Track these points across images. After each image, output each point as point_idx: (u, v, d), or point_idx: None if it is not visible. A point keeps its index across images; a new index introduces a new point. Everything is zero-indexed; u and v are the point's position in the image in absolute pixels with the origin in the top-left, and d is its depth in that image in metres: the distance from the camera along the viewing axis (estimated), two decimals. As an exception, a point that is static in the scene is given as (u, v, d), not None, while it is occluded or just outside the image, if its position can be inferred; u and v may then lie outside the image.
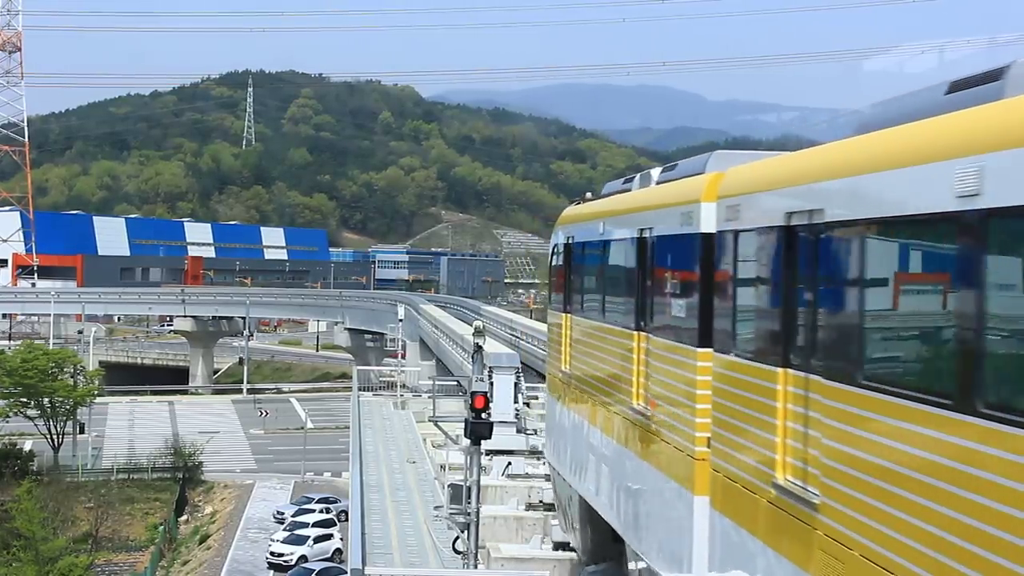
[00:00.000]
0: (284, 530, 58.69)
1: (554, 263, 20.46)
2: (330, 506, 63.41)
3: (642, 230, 13.97)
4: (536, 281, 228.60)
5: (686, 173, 13.26)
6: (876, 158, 8.27)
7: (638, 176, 16.30)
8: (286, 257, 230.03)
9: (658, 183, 14.79)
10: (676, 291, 12.63)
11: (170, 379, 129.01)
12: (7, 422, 75.85)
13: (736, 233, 10.91)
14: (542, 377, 71.40)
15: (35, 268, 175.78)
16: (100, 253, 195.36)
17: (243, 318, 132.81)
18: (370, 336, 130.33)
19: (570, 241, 18.80)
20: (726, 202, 11.28)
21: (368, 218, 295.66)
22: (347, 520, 46.70)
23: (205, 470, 76.15)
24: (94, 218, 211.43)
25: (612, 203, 16.71)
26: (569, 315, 18.62)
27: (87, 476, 73.36)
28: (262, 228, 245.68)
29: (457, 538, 27.54)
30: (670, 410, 12.54)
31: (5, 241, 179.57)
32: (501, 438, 39.42)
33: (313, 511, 62.01)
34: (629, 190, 16.31)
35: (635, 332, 14.04)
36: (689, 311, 12.08)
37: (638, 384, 13.92)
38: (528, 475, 43.20)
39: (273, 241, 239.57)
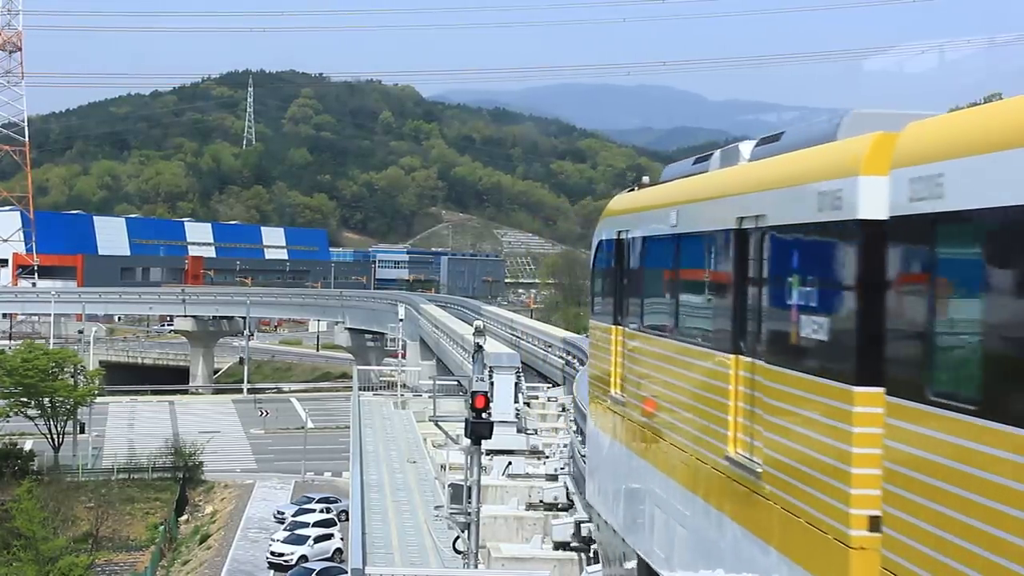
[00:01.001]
0: (284, 530, 58.68)
1: (599, 264, 17.21)
2: (330, 506, 63.41)
3: (744, 219, 10.52)
4: (536, 281, 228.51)
5: (808, 140, 10.00)
6: None
7: (717, 153, 12.96)
8: (286, 257, 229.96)
9: (753, 159, 11.47)
10: (808, 303, 9.18)
11: (170, 379, 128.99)
12: (7, 422, 75.84)
13: (933, 220, 7.39)
14: (542, 377, 71.59)
15: (35, 268, 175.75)
16: (100, 253, 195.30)
17: (243, 318, 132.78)
18: (370, 336, 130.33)
19: (624, 237, 15.36)
20: (912, 173, 7.70)
21: (368, 218, 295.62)
22: (347, 520, 46.68)
23: (205, 470, 76.15)
24: (94, 218, 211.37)
25: (689, 187, 13.10)
26: (621, 328, 15.26)
27: (87, 476, 73.36)
28: (262, 228, 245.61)
29: (457, 538, 27.55)
30: (799, 469, 9.11)
31: (5, 241, 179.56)
32: (501, 438, 39.45)
33: (313, 511, 62.01)
34: (706, 170, 12.98)
35: (732, 356, 10.66)
36: (836, 333, 8.66)
37: (736, 426, 10.61)
38: (528, 475, 43.21)
39: (273, 241, 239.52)
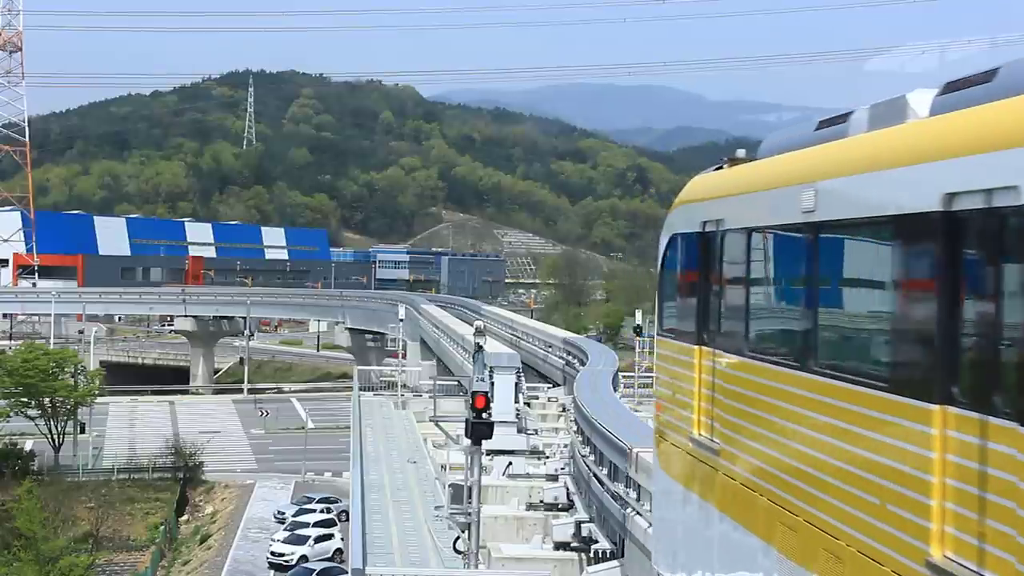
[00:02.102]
0: (285, 530, 58.68)
1: (671, 265, 13.48)
2: (331, 506, 63.40)
3: (957, 196, 7.03)
4: (536, 281, 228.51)
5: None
6: None
7: (862, 110, 9.37)
8: (287, 257, 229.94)
9: (941, 112, 8.00)
10: None
11: (171, 379, 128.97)
12: (8, 422, 75.81)
13: None
14: (543, 377, 71.61)
15: (36, 268, 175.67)
16: (101, 253, 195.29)
17: (244, 318, 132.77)
18: (371, 336, 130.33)
19: (713, 229, 11.70)
20: None
21: (369, 218, 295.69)
22: (348, 520, 46.67)
23: (206, 470, 76.14)
24: (95, 218, 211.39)
25: (826, 156, 9.36)
26: (710, 351, 11.56)
27: (88, 476, 73.35)
28: (263, 228, 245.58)
29: (458, 538, 27.56)
30: None
31: (6, 241, 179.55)
32: (502, 438, 39.48)
33: (314, 511, 62.00)
34: (844, 134, 9.35)
35: (938, 409, 7.11)
36: None
37: (945, 517, 7.05)
38: (528, 475, 43.25)
39: (274, 241, 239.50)
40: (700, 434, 11.72)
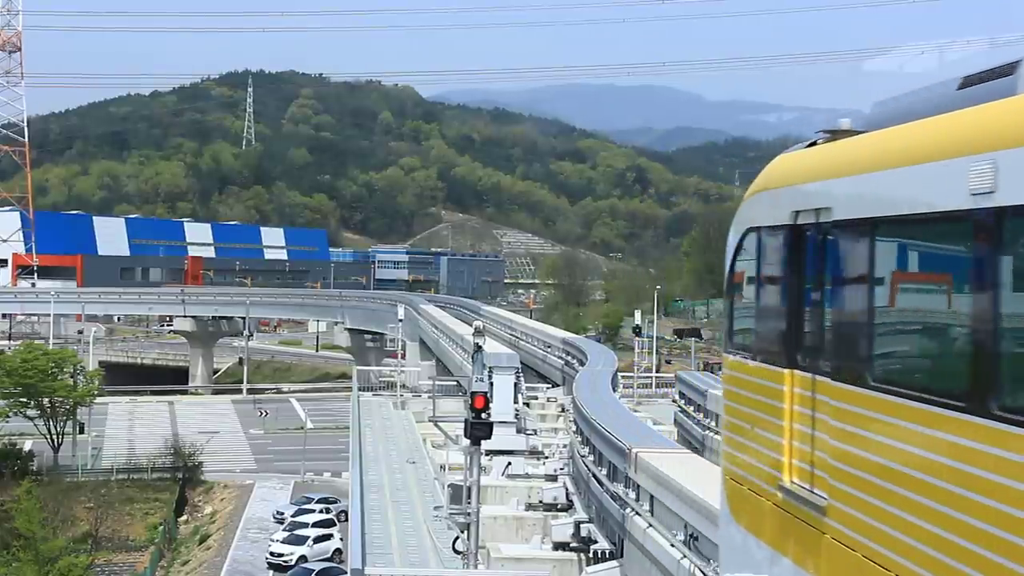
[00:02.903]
0: (284, 530, 58.65)
1: (747, 267, 10.87)
2: (330, 506, 63.39)
3: None
4: (536, 281, 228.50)
5: None
6: None
7: None
8: (286, 257, 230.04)
9: None
10: None
11: (170, 379, 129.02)
12: (7, 422, 75.79)
13: None
14: (542, 377, 71.65)
15: (35, 268, 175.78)
16: (100, 253, 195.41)
17: (243, 318, 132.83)
18: (370, 336, 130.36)
19: (813, 221, 9.13)
20: None
21: (368, 218, 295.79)
22: (347, 520, 46.64)
23: (205, 470, 76.11)
24: (94, 218, 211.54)
25: (1009, 114, 6.78)
26: (810, 377, 9.01)
27: (87, 476, 73.33)
28: (262, 228, 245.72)
29: (457, 538, 27.55)
30: None
31: (5, 241, 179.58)
32: (501, 438, 39.50)
33: (313, 511, 61.98)
34: (1013, 90, 6.94)
35: None
36: None
37: None
38: (528, 475, 43.26)
39: (273, 241, 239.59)
40: (794, 482, 9.22)
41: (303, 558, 54.48)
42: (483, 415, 25.24)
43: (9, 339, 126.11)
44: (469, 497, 26.78)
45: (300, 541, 56.30)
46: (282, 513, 63.23)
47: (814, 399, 8.90)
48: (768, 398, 9.78)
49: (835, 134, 9.46)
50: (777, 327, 9.70)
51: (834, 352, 8.65)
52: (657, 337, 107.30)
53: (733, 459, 10.91)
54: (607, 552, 32.35)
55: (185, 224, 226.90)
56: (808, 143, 10.08)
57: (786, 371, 9.40)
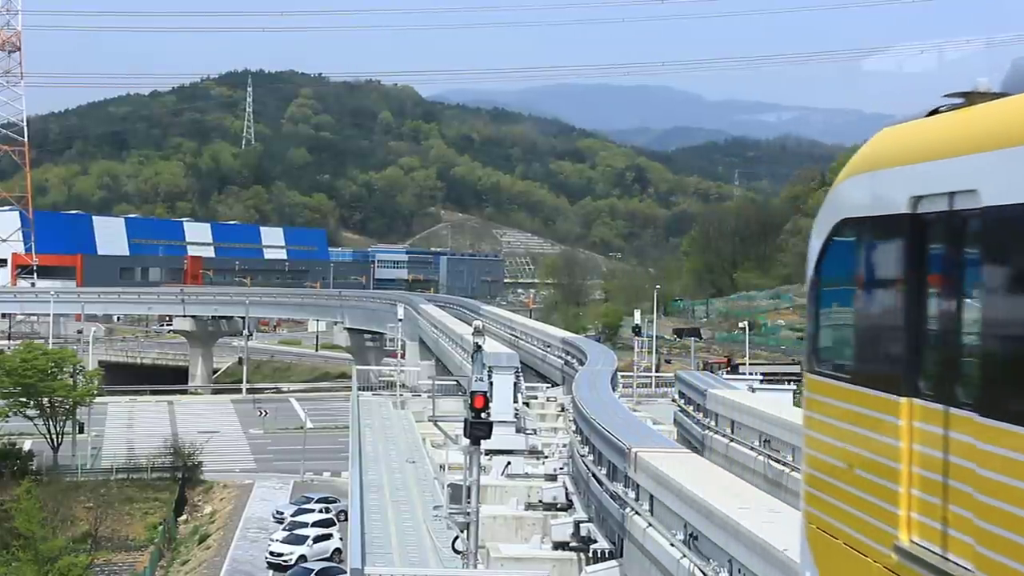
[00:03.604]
0: (283, 530, 58.65)
1: (848, 267, 8.67)
2: (329, 506, 63.39)
3: None
4: (535, 281, 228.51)
5: None
6: None
7: None
8: (286, 257, 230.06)
9: None
10: None
11: (170, 379, 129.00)
12: (7, 422, 75.78)
13: None
14: (541, 377, 71.65)
15: (35, 268, 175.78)
16: (100, 253, 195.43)
17: (243, 318, 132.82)
18: (370, 336, 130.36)
19: (946, 208, 7.26)
20: None
21: (368, 218, 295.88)
22: (347, 520, 46.64)
23: (204, 470, 76.10)
24: (93, 218, 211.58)
25: None
26: (941, 410, 7.22)
27: (86, 476, 73.33)
28: (261, 228, 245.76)
29: (457, 538, 27.56)
30: None
31: (5, 241, 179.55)
32: (501, 438, 39.51)
33: (312, 511, 61.98)
34: None
35: None
36: None
37: None
38: (528, 475, 43.27)
39: (273, 241, 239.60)
40: (915, 542, 7.45)
41: (303, 558, 54.48)
42: (483, 415, 25.25)
43: (9, 339, 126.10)
44: (469, 497, 26.79)
45: (300, 541, 56.30)
46: (282, 513, 63.23)
47: (946, 438, 7.08)
48: (874, 432, 7.92)
49: (971, 97, 7.59)
50: (888, 344, 7.86)
51: (980, 380, 6.74)
52: (656, 337, 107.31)
53: (820, 504, 8.86)
54: (607, 552, 32.36)
55: (185, 224, 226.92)
56: (929, 112, 8.10)
57: (903, 400, 7.58)
